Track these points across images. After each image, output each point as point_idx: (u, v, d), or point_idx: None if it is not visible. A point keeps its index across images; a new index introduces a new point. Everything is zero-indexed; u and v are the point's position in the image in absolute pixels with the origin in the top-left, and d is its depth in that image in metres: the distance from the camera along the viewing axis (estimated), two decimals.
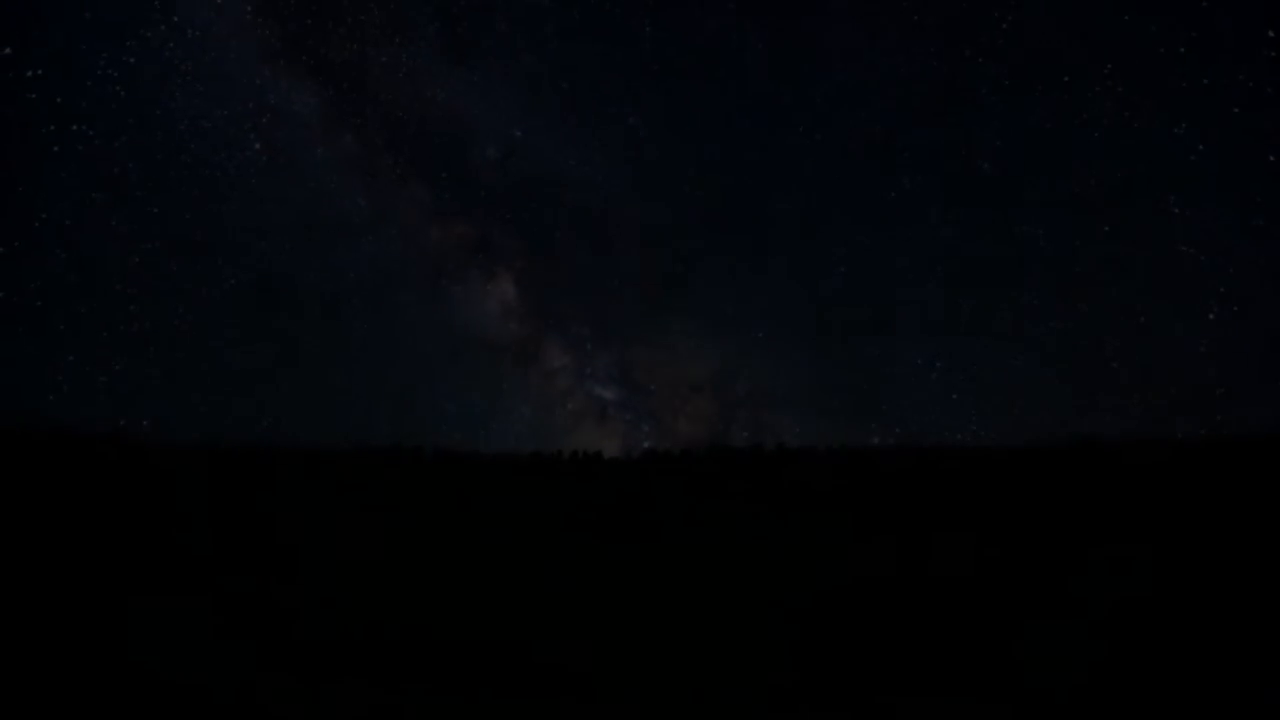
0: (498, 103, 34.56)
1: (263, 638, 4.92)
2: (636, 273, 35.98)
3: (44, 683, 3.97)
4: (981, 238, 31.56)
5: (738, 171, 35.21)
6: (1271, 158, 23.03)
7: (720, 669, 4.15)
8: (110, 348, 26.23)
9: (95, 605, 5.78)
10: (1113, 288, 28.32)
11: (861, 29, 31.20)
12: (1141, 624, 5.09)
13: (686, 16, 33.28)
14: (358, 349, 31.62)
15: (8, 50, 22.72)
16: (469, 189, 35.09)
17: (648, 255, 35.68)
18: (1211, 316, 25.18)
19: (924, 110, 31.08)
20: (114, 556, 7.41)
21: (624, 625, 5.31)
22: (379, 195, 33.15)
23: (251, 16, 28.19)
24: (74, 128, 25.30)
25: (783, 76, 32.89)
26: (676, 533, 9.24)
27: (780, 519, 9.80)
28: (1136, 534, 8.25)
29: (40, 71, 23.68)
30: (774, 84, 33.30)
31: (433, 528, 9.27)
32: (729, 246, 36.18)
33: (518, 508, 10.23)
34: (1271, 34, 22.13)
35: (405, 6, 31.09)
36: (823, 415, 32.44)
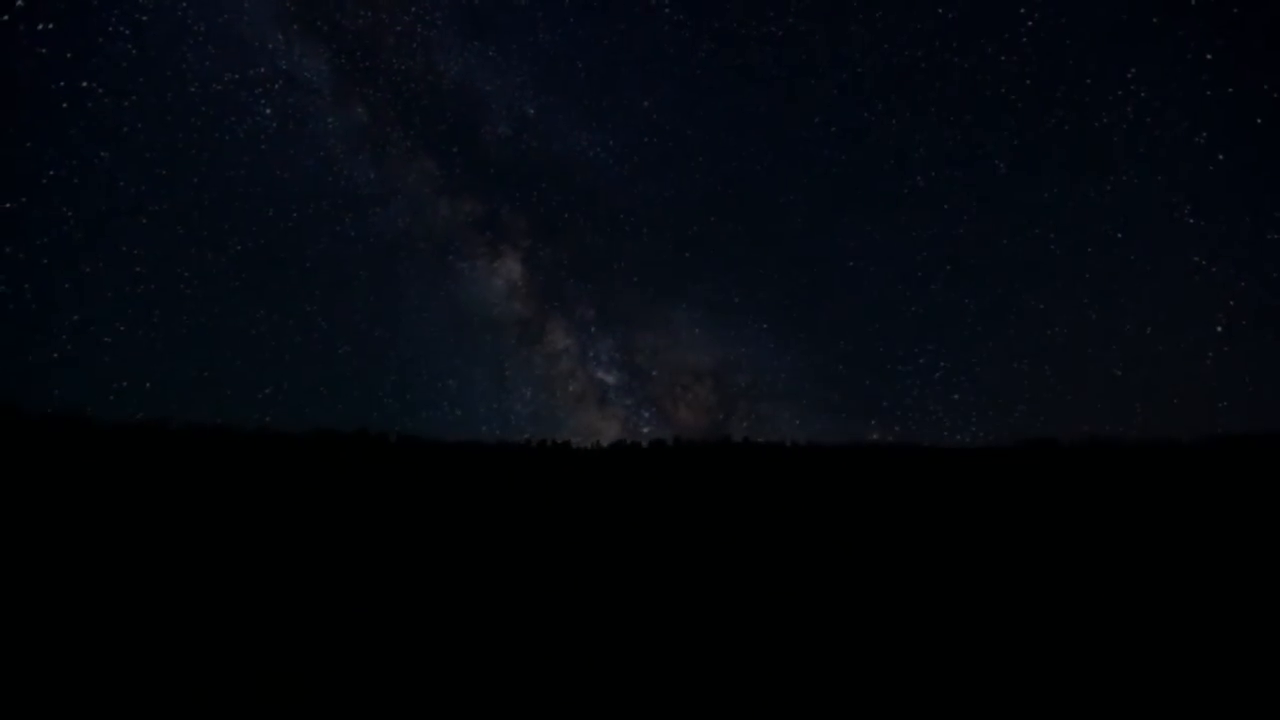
0: (512, 79, 34.30)
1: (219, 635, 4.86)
2: (643, 258, 35.97)
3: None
4: (993, 238, 31.14)
5: (750, 160, 34.89)
6: None
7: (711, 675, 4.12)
8: (115, 308, 26.56)
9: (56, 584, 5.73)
10: (1122, 295, 27.91)
11: (884, 21, 30.53)
12: (1141, 624, 5.10)
13: (706, 1, 32.64)
14: (361, 320, 31.89)
15: (19, 2, 22.71)
16: (479, 165, 35.03)
17: (655, 241, 35.59)
18: (1219, 329, 24.78)
19: (943, 106, 30.50)
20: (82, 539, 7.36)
21: (607, 620, 5.31)
22: (389, 167, 33.14)
23: None
24: (83, 84, 25.29)
25: (801, 65, 32.34)
26: (657, 527, 9.26)
27: (767, 517, 9.82)
28: (1134, 534, 8.25)
29: (51, 25, 23.67)
30: (792, 73, 32.77)
31: (393, 514, 9.13)
32: (737, 236, 36.02)
33: (480, 496, 10.26)
34: None
35: None
36: (823, 410, 32.45)
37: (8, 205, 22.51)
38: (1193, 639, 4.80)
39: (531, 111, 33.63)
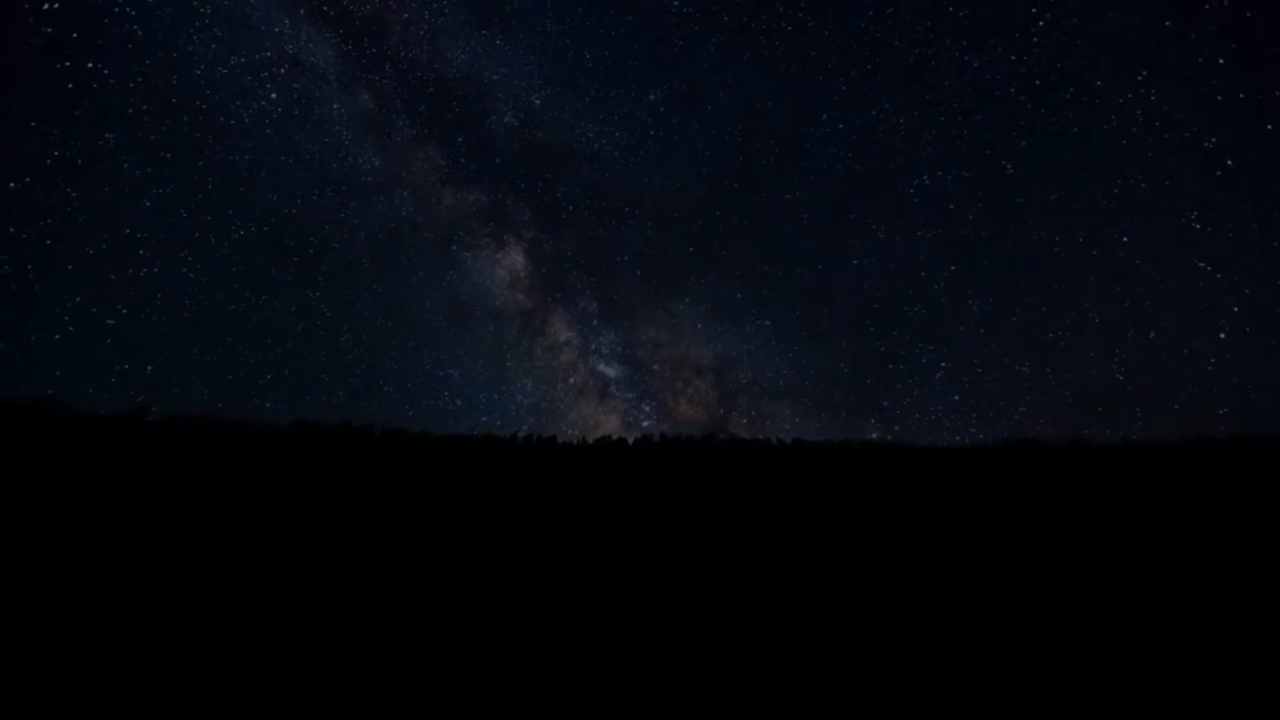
0: (519, 69, 33.98)
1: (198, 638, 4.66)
2: (646, 251, 35.78)
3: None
4: (998, 239, 31.08)
5: (756, 156, 34.66)
6: None
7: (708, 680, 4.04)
8: (117, 290, 26.43)
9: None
10: (1125, 299, 27.90)
11: (894, 17, 30.39)
12: (1141, 626, 5.14)
13: None
14: (364, 308, 31.72)
15: None
16: (484, 155, 34.72)
17: (659, 234, 35.45)
18: (1223, 335, 24.83)
19: (951, 105, 30.39)
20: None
21: (596, 625, 5.25)
22: (394, 155, 32.80)
23: None
24: (89, 65, 25.09)
25: (809, 62, 32.16)
26: (646, 527, 9.15)
27: (758, 517, 9.74)
28: (1133, 535, 8.30)
29: (56, 5, 23.47)
30: (800, 69, 32.58)
31: (377, 515, 8.80)
32: (741, 231, 35.84)
33: (470, 495, 10.07)
34: None
35: None
36: (823, 408, 32.44)
37: (11, 185, 22.27)
38: (1183, 637, 4.84)
39: (538, 102, 33.32)
